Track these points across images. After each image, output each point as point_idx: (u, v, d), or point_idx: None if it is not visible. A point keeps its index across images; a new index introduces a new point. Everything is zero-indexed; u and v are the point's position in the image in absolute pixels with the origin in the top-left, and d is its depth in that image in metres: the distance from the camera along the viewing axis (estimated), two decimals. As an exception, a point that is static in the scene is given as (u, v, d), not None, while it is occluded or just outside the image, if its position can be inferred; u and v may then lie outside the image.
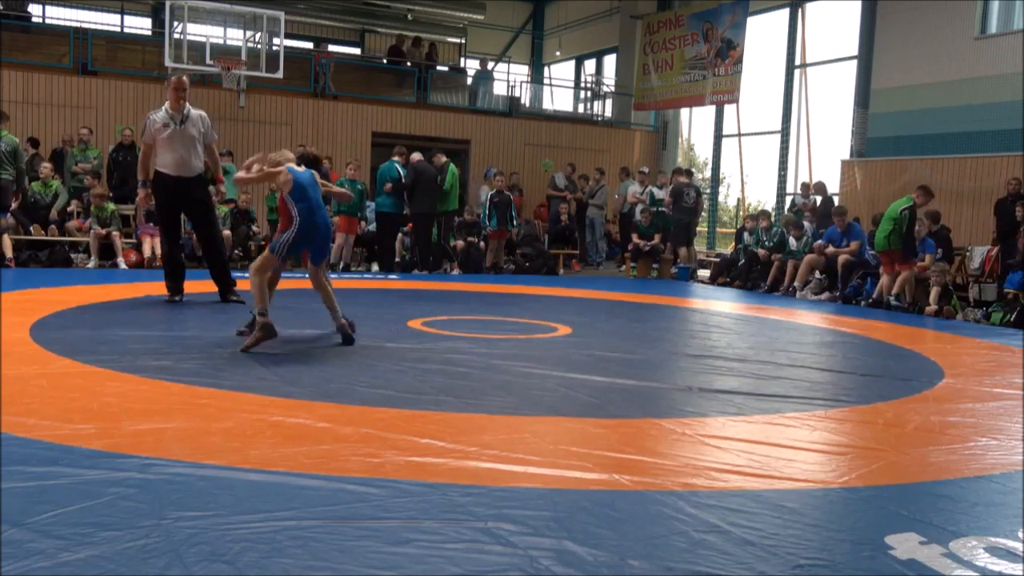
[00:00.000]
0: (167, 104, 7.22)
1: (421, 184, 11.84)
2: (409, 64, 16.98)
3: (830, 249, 11.11)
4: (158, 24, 16.43)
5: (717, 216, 19.22)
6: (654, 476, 3.02)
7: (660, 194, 14.31)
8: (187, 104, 7.22)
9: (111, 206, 10.99)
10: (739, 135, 17.42)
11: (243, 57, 13.91)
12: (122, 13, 18.25)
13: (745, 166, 27.36)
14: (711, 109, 17.31)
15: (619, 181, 15.55)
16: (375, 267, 12.30)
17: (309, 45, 18.56)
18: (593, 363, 5.31)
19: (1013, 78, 11.48)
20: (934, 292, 9.60)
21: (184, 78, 7.40)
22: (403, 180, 11.90)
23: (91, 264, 10.64)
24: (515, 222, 13.50)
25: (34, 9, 16.65)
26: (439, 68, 17.85)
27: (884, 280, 10.02)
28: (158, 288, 7.78)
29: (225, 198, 12.11)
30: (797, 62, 15.68)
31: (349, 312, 6.75)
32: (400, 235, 12.66)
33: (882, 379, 5.32)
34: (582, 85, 21.22)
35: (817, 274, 11.35)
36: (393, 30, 18.36)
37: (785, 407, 4.31)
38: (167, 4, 13.11)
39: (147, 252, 10.77)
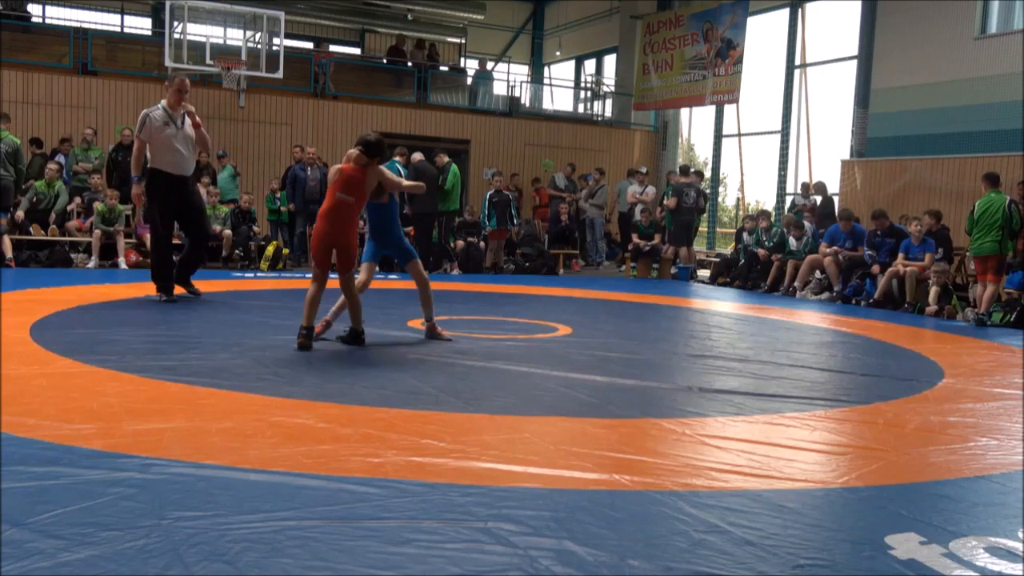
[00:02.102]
0: (164, 102, 7.33)
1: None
2: (409, 64, 16.99)
3: (833, 249, 11.11)
4: (158, 24, 16.42)
5: (717, 216, 19.22)
6: (654, 476, 3.02)
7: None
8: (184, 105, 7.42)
9: (120, 207, 11.01)
10: (739, 135, 17.43)
11: (243, 57, 13.90)
12: (122, 13, 18.24)
13: (745, 166, 27.35)
14: (711, 109, 17.31)
15: (620, 181, 15.56)
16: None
17: (309, 45, 18.55)
18: (593, 363, 5.31)
19: (1013, 78, 11.47)
20: (933, 292, 9.60)
21: (187, 80, 7.57)
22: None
23: (91, 264, 10.64)
24: (515, 221, 13.48)
25: (34, 9, 16.64)
26: (440, 68, 17.85)
27: (980, 289, 9.12)
28: (158, 288, 7.79)
29: (223, 198, 12.15)
30: (797, 62, 15.67)
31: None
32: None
33: (882, 379, 5.32)
34: (582, 85, 21.22)
35: (817, 274, 11.35)
36: (393, 30, 18.36)
37: (785, 407, 4.31)
38: (167, 4, 13.11)
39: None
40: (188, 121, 7.40)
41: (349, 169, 5.35)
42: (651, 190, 14.70)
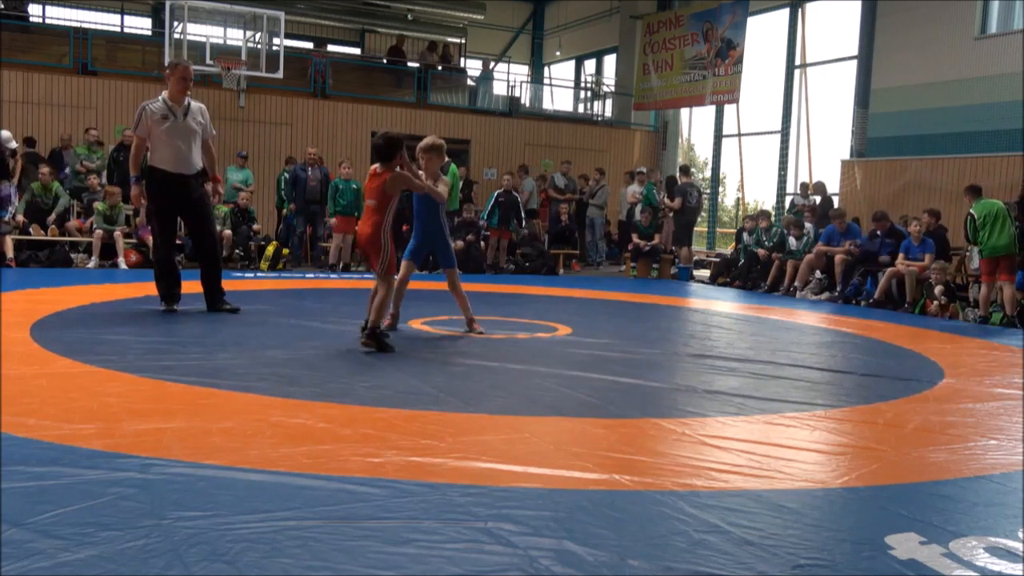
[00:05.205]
0: (165, 94, 6.54)
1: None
2: (410, 64, 16.98)
3: (820, 247, 11.14)
4: (158, 24, 16.44)
5: (717, 216, 19.23)
6: (654, 476, 3.02)
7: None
8: (188, 95, 6.61)
9: (122, 205, 11.01)
10: (739, 135, 17.43)
11: (243, 57, 13.91)
12: (122, 13, 18.26)
13: (745, 166, 27.35)
14: (711, 109, 17.32)
15: (624, 184, 15.53)
16: (375, 267, 12.30)
17: (309, 45, 18.57)
18: (593, 363, 5.30)
19: (1013, 78, 11.48)
20: (938, 290, 9.62)
21: (191, 67, 6.77)
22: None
23: (91, 264, 10.64)
24: (522, 222, 13.44)
25: (34, 9, 16.65)
26: (441, 68, 17.86)
27: (984, 291, 9.03)
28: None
29: (223, 199, 12.14)
30: (797, 62, 15.68)
31: (349, 312, 6.76)
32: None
33: (882, 379, 5.32)
34: (582, 85, 21.22)
35: (817, 274, 11.36)
36: (393, 30, 18.39)
37: (785, 407, 4.31)
38: (167, 4, 13.12)
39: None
40: (193, 107, 6.58)
41: (372, 172, 5.58)
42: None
